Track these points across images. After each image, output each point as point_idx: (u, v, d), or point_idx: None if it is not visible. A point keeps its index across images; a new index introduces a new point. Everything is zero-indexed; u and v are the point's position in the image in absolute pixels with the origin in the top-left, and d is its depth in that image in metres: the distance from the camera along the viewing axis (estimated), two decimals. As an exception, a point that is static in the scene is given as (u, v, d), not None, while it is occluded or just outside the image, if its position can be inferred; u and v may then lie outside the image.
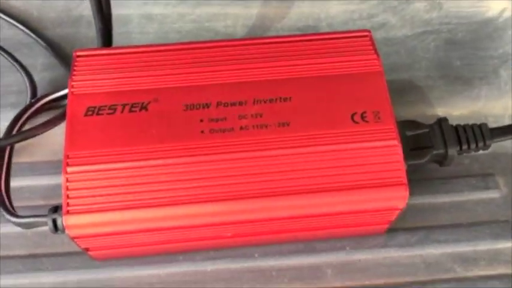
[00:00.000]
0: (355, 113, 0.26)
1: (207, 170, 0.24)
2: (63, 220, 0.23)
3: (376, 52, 0.27)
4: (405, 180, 0.25)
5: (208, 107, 0.26)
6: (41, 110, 0.32)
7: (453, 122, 0.29)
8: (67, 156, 0.24)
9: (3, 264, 0.28)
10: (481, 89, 0.35)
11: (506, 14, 0.36)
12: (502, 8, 0.36)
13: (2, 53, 0.33)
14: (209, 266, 0.29)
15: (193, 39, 0.36)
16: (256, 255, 0.29)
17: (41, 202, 0.31)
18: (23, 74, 0.33)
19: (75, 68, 0.27)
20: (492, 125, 0.30)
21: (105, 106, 0.25)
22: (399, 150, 0.25)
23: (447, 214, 0.30)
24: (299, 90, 0.26)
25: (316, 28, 0.36)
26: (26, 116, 0.30)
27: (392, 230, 0.29)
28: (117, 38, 0.32)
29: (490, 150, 0.29)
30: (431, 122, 0.29)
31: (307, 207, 0.25)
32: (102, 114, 0.25)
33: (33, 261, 0.29)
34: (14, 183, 0.29)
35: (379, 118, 0.25)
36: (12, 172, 0.29)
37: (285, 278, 0.28)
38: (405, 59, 0.35)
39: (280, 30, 0.36)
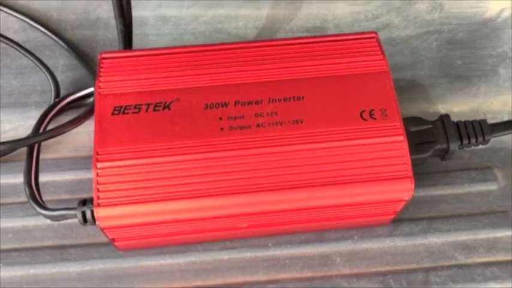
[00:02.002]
0: (363, 111, 0.27)
1: (226, 164, 0.26)
2: (95, 212, 0.25)
3: (382, 53, 0.29)
4: (411, 174, 0.26)
5: (226, 106, 0.27)
6: (65, 109, 0.33)
7: (454, 118, 0.30)
8: (97, 153, 0.26)
9: (34, 255, 0.30)
10: (480, 87, 0.37)
11: (505, 15, 0.37)
12: (500, 8, 0.37)
13: (27, 54, 0.35)
14: (226, 256, 0.30)
15: (206, 40, 0.38)
16: (269, 244, 0.31)
17: (66, 196, 0.32)
18: (47, 75, 0.34)
19: (101, 69, 0.28)
20: (491, 120, 0.31)
21: (131, 105, 0.27)
22: (405, 145, 0.27)
23: (448, 205, 0.32)
24: (311, 89, 0.28)
25: (324, 29, 0.38)
26: (51, 114, 0.32)
27: (397, 220, 0.31)
28: (134, 39, 0.33)
29: (488, 144, 0.31)
30: (434, 118, 0.31)
31: (319, 199, 0.27)
32: (128, 113, 0.27)
33: (60, 251, 0.30)
34: (40, 178, 0.30)
35: (386, 115, 0.27)
36: (38, 168, 0.30)
37: (297, 266, 0.30)
38: (408, 58, 0.37)
39: (289, 31, 0.38)
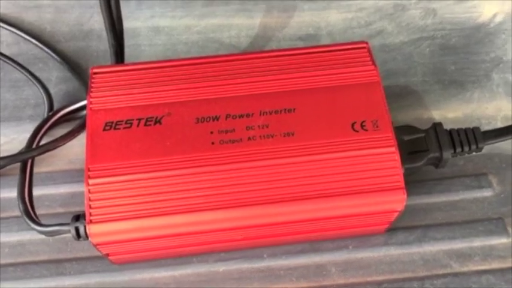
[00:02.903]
0: (355, 122, 0.27)
1: (218, 178, 0.26)
2: (87, 229, 0.25)
3: (373, 63, 0.29)
4: (403, 185, 0.26)
5: (217, 120, 0.27)
6: (58, 122, 0.33)
7: (448, 125, 0.30)
8: (88, 169, 0.26)
9: (29, 270, 0.30)
10: (474, 92, 0.36)
11: (498, 19, 0.37)
12: (493, 13, 0.37)
13: (19, 68, 0.35)
14: (221, 267, 0.30)
15: (199, 50, 0.38)
16: (265, 255, 0.31)
17: (60, 210, 0.33)
18: (40, 88, 0.34)
19: (92, 84, 0.28)
20: (485, 126, 0.31)
21: (122, 121, 0.27)
22: (397, 156, 0.27)
23: (443, 213, 0.32)
24: (302, 101, 0.28)
25: (317, 36, 0.38)
26: (44, 129, 0.32)
27: (392, 229, 0.31)
28: (127, 50, 0.33)
29: (483, 151, 0.31)
30: (428, 124, 0.31)
31: (312, 212, 0.27)
32: (119, 128, 0.27)
33: (56, 266, 0.30)
34: (34, 192, 0.30)
35: (377, 127, 0.27)
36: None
37: (293, 276, 0.30)
38: (402, 64, 0.37)
39: (282, 39, 0.38)
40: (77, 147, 0.34)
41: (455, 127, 0.30)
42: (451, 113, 0.36)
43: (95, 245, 0.26)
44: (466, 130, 0.30)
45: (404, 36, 0.38)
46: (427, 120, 0.35)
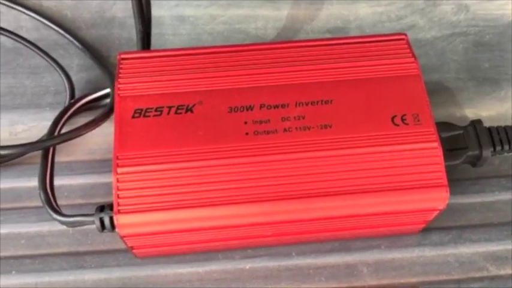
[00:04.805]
0: (395, 116, 0.26)
1: (251, 171, 0.25)
2: (115, 219, 0.24)
3: (413, 55, 0.28)
4: (446, 182, 0.25)
5: (251, 109, 0.26)
6: (80, 111, 0.32)
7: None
8: (117, 158, 0.25)
9: (48, 262, 0.29)
10: (508, 91, 0.35)
11: (533, 17, 0.36)
12: (528, 10, 0.36)
13: (41, 53, 0.34)
14: (248, 264, 0.29)
15: (224, 40, 0.36)
16: (293, 253, 0.29)
17: (80, 201, 0.31)
18: (62, 75, 0.33)
19: (120, 70, 0.27)
20: (519, 126, 0.30)
21: (152, 108, 0.26)
22: (439, 152, 0.26)
23: (478, 214, 0.31)
24: (340, 92, 0.27)
25: (345, 30, 0.37)
26: (66, 116, 0.31)
27: (426, 229, 0.30)
28: (151, 39, 0.32)
29: (519, 151, 0.30)
30: (461, 123, 0.30)
31: (349, 208, 0.25)
32: (149, 116, 0.26)
33: (76, 258, 0.29)
34: (54, 182, 0.29)
35: (418, 121, 0.26)
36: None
37: (322, 276, 0.29)
38: (434, 60, 0.36)
39: (310, 31, 0.37)
40: (97, 137, 0.33)
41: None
42: (485, 111, 0.35)
43: (122, 237, 0.25)
44: (505, 128, 0.29)
45: (436, 32, 0.37)
46: (460, 118, 0.34)
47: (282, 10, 0.37)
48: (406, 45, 0.28)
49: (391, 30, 0.36)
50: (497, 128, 0.29)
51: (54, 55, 0.34)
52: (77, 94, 0.34)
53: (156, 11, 0.36)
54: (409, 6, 0.37)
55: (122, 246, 0.28)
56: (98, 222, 0.26)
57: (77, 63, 0.35)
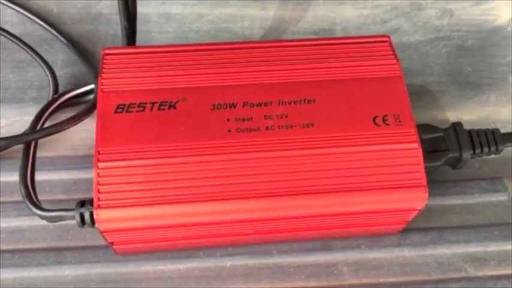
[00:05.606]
0: (376, 116, 0.26)
1: (233, 168, 0.25)
2: (95, 214, 0.24)
3: (396, 57, 0.28)
4: (425, 182, 0.25)
5: (234, 107, 0.26)
6: (63, 106, 0.32)
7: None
8: (98, 152, 0.25)
9: (27, 257, 0.29)
10: (490, 95, 0.36)
11: (515, 23, 0.37)
12: (510, 17, 0.37)
13: (25, 48, 0.33)
14: (228, 262, 0.29)
15: (211, 39, 0.37)
16: (274, 252, 0.30)
17: (62, 196, 0.31)
18: (46, 70, 0.33)
19: (104, 65, 0.27)
20: (501, 130, 0.30)
21: (135, 104, 0.26)
22: (419, 152, 0.26)
23: (458, 216, 0.31)
24: (323, 92, 0.27)
25: (331, 31, 0.37)
26: (49, 111, 0.31)
27: (406, 230, 0.30)
28: (137, 36, 0.32)
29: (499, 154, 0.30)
30: (443, 126, 0.30)
31: (329, 206, 0.26)
32: (131, 111, 0.26)
33: (56, 254, 0.29)
34: (35, 177, 0.29)
35: (399, 121, 0.26)
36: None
37: (302, 274, 0.29)
38: (418, 64, 0.36)
39: (296, 32, 0.37)
40: (80, 133, 0.32)
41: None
42: (467, 115, 0.35)
43: (102, 232, 0.25)
44: (485, 131, 0.30)
45: (420, 36, 0.37)
46: (441, 121, 0.35)
47: (268, 10, 0.37)
48: (389, 47, 0.29)
49: (376, 33, 0.36)
50: (478, 131, 0.30)
51: (39, 50, 0.34)
52: (61, 89, 0.33)
53: (143, 8, 0.36)
54: (394, 10, 0.37)
55: (102, 242, 0.27)
56: (78, 217, 0.26)
57: (62, 58, 0.35)
